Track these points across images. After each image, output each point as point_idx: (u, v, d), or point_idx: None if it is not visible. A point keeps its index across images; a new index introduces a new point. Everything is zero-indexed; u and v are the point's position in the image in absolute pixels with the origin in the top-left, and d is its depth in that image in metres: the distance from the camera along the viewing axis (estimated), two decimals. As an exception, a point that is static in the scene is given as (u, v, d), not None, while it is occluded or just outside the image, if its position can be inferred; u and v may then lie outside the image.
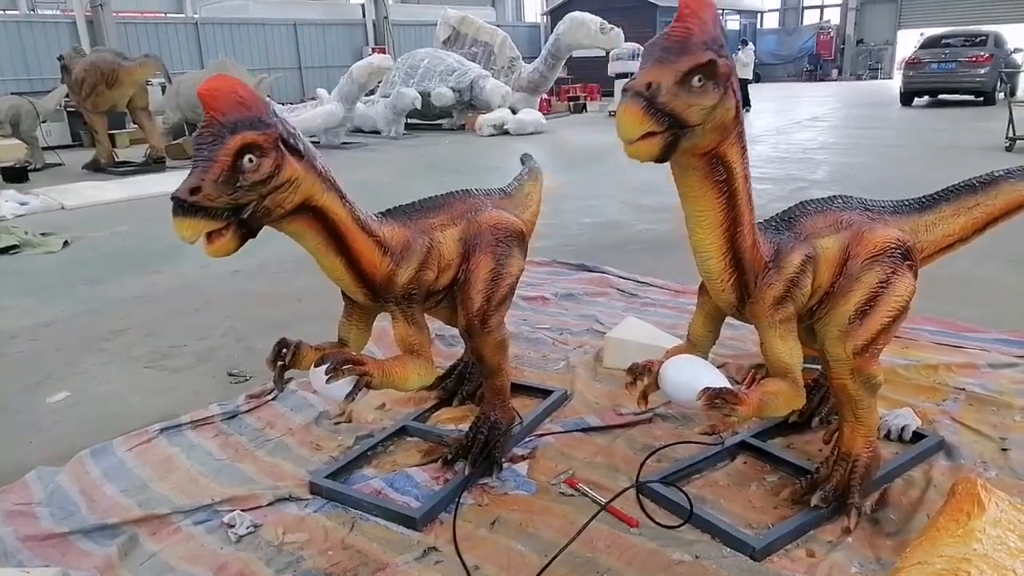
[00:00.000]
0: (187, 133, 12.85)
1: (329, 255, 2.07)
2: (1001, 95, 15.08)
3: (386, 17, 23.08)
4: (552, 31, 16.65)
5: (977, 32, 17.27)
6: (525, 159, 3.07)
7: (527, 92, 16.27)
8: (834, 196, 2.26)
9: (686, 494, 2.30)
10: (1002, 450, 2.58)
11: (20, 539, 2.29)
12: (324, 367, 2.03)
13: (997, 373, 3.16)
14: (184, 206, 1.69)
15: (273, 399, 3.17)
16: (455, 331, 2.59)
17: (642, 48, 1.75)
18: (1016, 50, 17.47)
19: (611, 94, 18.51)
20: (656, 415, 2.92)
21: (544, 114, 15.84)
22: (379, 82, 15.00)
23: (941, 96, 16.97)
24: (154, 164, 10.68)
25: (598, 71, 20.32)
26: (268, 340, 2.30)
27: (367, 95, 14.59)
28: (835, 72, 30.10)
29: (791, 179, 8.27)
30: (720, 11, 2.05)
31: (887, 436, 2.67)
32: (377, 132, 14.48)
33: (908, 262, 2.17)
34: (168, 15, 24.04)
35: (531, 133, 14.03)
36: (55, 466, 2.71)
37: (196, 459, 2.76)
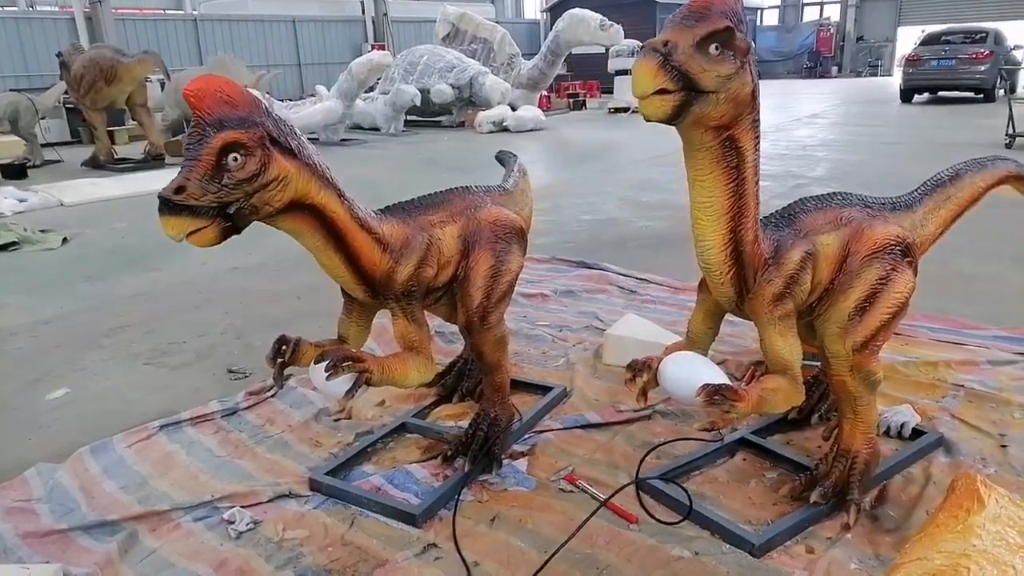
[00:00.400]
0: (186, 129, 12.84)
1: (328, 253, 2.07)
2: (1001, 92, 15.08)
3: (385, 14, 23.05)
4: (551, 28, 16.63)
5: (977, 29, 17.27)
6: (506, 156, 3.06)
7: (527, 89, 16.25)
8: (834, 193, 2.26)
9: (685, 490, 2.31)
10: (1001, 446, 2.59)
11: (20, 536, 2.29)
12: (324, 364, 2.03)
13: (996, 370, 3.16)
14: (170, 205, 1.70)
15: (273, 396, 3.17)
16: (455, 328, 2.59)
17: (641, 45, 1.76)
18: (1016, 47, 17.45)
19: (611, 91, 18.49)
20: (655, 412, 2.92)
21: (544, 111, 15.81)
22: (378, 79, 14.96)
23: (941, 93, 16.96)
24: (153, 161, 10.67)
25: (598, 68, 20.30)
26: (268, 337, 2.30)
27: (366, 92, 14.57)
28: (835, 69, 30.08)
29: (791, 176, 8.27)
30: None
31: (886, 433, 2.67)
32: (376, 129, 14.47)
33: (908, 259, 2.18)
34: (167, 11, 23.99)
35: (531, 130, 14.01)
36: (55, 463, 2.71)
37: (196, 456, 2.76)
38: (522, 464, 2.61)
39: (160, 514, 2.37)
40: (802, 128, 13.15)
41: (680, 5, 1.75)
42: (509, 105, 14.78)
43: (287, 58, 21.12)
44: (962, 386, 3.02)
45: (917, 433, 2.65)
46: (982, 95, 16.19)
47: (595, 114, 17.72)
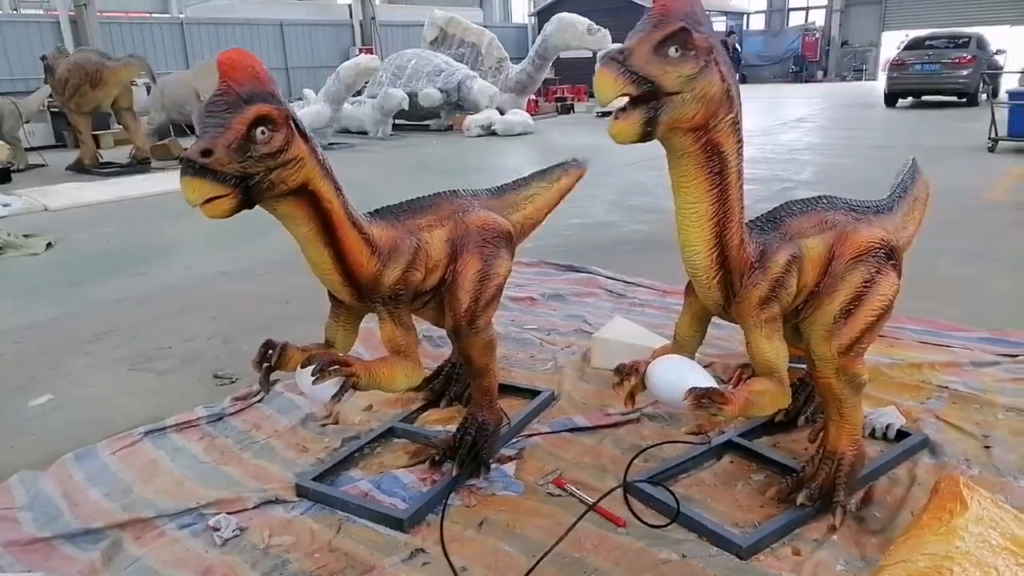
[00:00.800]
0: (172, 134, 12.76)
1: (317, 245, 2.06)
2: (984, 96, 15.24)
3: (373, 18, 23.03)
4: (539, 32, 16.64)
5: (960, 34, 17.44)
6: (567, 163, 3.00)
7: (515, 93, 16.26)
8: (819, 196, 2.28)
9: (673, 493, 2.31)
10: (985, 447, 2.61)
11: (2, 544, 2.26)
12: (310, 368, 2.02)
13: (980, 371, 3.19)
14: (194, 167, 1.70)
15: (259, 401, 3.16)
16: (443, 332, 2.59)
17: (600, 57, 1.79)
18: (998, 52, 17.67)
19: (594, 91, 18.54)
20: (643, 415, 2.92)
21: (531, 115, 15.84)
22: (366, 83, 14.95)
23: (925, 97, 17.12)
24: (139, 165, 10.59)
25: (585, 72, 20.33)
26: (254, 342, 2.29)
27: (354, 96, 14.53)
28: (820, 73, 30.31)
29: (777, 179, 8.32)
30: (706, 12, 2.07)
31: (872, 434, 2.69)
32: (364, 133, 14.44)
33: (892, 261, 2.20)
34: (153, 15, 23.88)
35: (519, 134, 14.03)
36: (38, 470, 2.68)
37: (181, 462, 2.74)
38: (510, 468, 2.61)
39: (144, 521, 2.35)
40: (788, 132, 13.24)
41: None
42: (497, 109, 14.79)
43: (274, 62, 21.03)
44: (946, 388, 3.05)
45: (902, 435, 2.67)
46: (965, 99, 16.34)
47: (583, 118, 17.77)
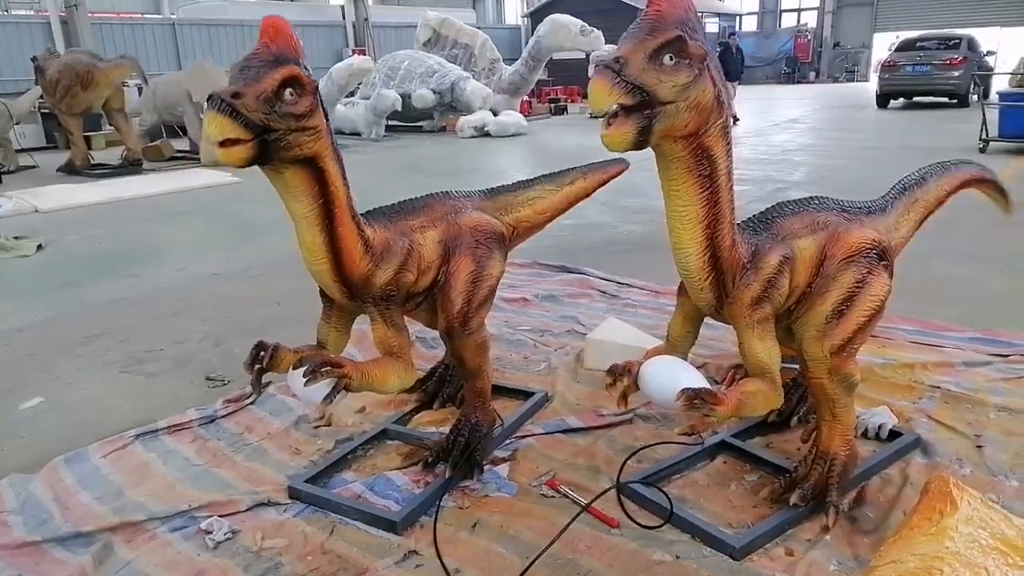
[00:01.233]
0: (164, 135, 12.72)
1: (315, 229, 2.06)
2: (975, 97, 15.32)
3: (366, 19, 23.00)
4: (533, 33, 16.66)
5: (951, 35, 17.54)
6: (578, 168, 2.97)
7: (508, 94, 16.27)
8: (811, 197, 2.28)
9: (667, 494, 2.31)
10: (977, 447, 2.62)
11: (-8, 548, 2.25)
12: (302, 370, 2.01)
13: (972, 371, 3.20)
14: (221, 104, 1.76)
15: (251, 403, 3.14)
16: (436, 333, 2.58)
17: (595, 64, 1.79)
18: (989, 53, 17.77)
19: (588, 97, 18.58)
20: (636, 416, 2.92)
21: (525, 116, 15.85)
22: (359, 84, 14.92)
23: (916, 98, 17.20)
24: (130, 166, 10.55)
25: (578, 73, 20.40)
26: (246, 344, 2.27)
27: (347, 97, 14.52)
28: (812, 75, 30.45)
29: (770, 180, 8.35)
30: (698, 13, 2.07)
31: (864, 434, 2.70)
32: (357, 134, 14.42)
33: (883, 262, 2.20)
34: (144, 15, 23.79)
35: (512, 135, 14.04)
36: (28, 473, 2.67)
37: (173, 465, 2.72)
38: (503, 469, 2.60)
39: (136, 524, 2.34)
40: (781, 133, 13.29)
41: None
42: (490, 110, 14.79)
43: (267, 63, 20.92)
44: (938, 387, 3.06)
45: (894, 434, 2.68)
46: (956, 100, 16.44)
47: (576, 119, 17.78)
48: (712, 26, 28.48)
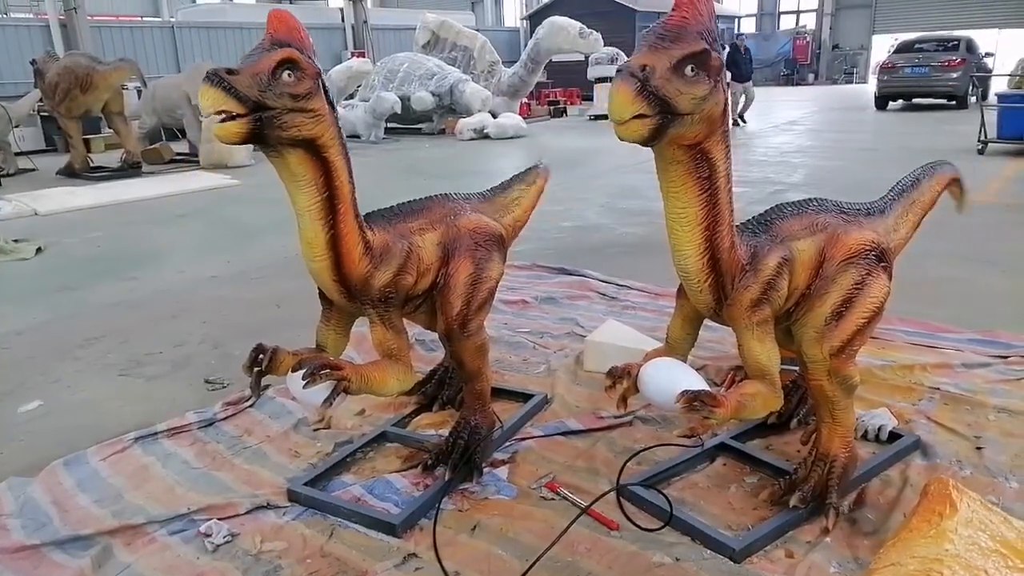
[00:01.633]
0: (163, 138, 12.72)
1: (317, 223, 2.06)
2: (973, 99, 15.33)
3: (365, 21, 23.00)
4: (531, 36, 16.68)
5: (949, 37, 17.56)
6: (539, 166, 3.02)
7: (507, 96, 16.28)
8: (809, 199, 2.29)
9: (666, 496, 2.31)
10: (976, 448, 2.62)
11: (-10, 552, 2.24)
12: (301, 372, 2.01)
13: (971, 373, 3.20)
14: (216, 80, 1.81)
15: (251, 406, 3.14)
16: (435, 336, 2.58)
17: (620, 53, 1.78)
18: (987, 55, 17.79)
19: (590, 98, 18.57)
20: (636, 418, 2.92)
21: (524, 118, 15.85)
22: (358, 86, 14.93)
23: (915, 100, 17.22)
24: (130, 169, 10.54)
25: (577, 76, 20.39)
26: (246, 346, 2.27)
27: (346, 99, 14.52)
28: (811, 76, 30.47)
29: (769, 182, 8.35)
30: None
31: (864, 436, 2.70)
32: (357, 136, 14.41)
33: (882, 264, 2.20)
34: (144, 18, 23.80)
35: (511, 137, 14.04)
36: (27, 477, 2.66)
37: (172, 468, 2.72)
38: (503, 472, 2.60)
39: (135, 528, 2.33)
40: (779, 135, 13.30)
41: (657, 13, 1.75)
42: (490, 112, 14.80)
43: (266, 66, 20.92)
44: (938, 389, 3.06)
45: (894, 436, 2.68)
46: (955, 102, 16.46)
47: (575, 121, 17.79)
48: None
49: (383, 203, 2.42)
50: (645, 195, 7.70)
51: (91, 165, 10.67)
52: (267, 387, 3.20)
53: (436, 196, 2.52)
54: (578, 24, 15.53)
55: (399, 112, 13.98)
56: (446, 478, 2.48)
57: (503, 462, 2.67)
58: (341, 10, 23.54)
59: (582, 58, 17.75)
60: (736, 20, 32.11)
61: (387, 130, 14.83)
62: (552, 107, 19.35)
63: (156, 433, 2.95)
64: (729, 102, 1.84)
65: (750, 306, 2.05)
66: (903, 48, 17.35)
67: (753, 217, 2.23)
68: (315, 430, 2.95)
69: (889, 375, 3.19)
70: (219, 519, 2.35)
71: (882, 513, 2.29)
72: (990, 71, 16.82)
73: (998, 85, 15.32)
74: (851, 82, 29.16)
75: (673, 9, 1.73)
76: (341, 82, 12.70)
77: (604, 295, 4.53)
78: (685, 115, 1.70)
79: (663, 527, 2.23)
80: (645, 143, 1.73)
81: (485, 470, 2.58)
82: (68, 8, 15.98)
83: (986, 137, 9.67)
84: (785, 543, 2.17)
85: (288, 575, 2.12)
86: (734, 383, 3.01)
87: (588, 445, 2.77)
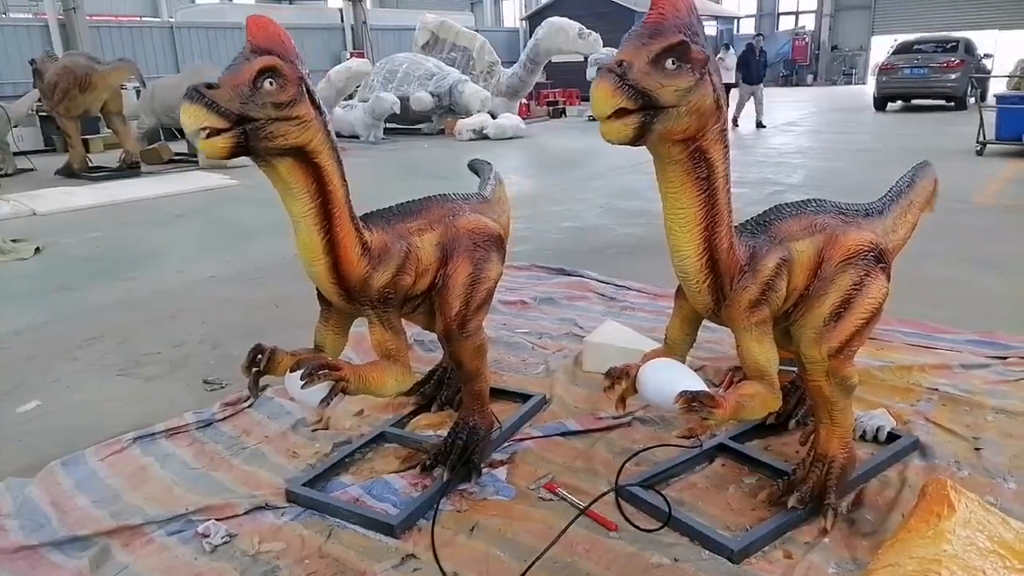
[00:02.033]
0: (162, 138, 12.71)
1: (312, 229, 2.05)
2: (972, 100, 15.35)
3: (364, 22, 23.00)
4: (531, 36, 16.68)
5: (948, 38, 17.59)
6: (480, 165, 3.06)
7: (506, 97, 16.29)
8: (808, 200, 2.29)
9: (665, 497, 2.31)
10: (975, 449, 2.62)
11: (-12, 552, 2.24)
12: (300, 372, 2.01)
13: (969, 373, 3.20)
14: (196, 96, 1.77)
15: (249, 406, 3.14)
16: (434, 336, 2.58)
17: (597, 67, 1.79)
18: (986, 56, 17.82)
19: (589, 99, 18.61)
20: (634, 419, 2.92)
21: (523, 118, 15.86)
22: (358, 87, 14.92)
23: (914, 101, 17.24)
24: (129, 169, 10.53)
25: (576, 76, 20.40)
26: (244, 347, 2.27)
27: (345, 100, 14.52)
28: (810, 77, 30.49)
29: (768, 183, 8.36)
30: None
31: (862, 437, 2.70)
32: (356, 137, 14.42)
33: (881, 265, 2.20)
34: (143, 19, 23.79)
35: (510, 138, 14.04)
36: (25, 477, 2.66)
37: (170, 468, 2.72)
38: (501, 473, 2.60)
39: (133, 528, 2.33)
40: (779, 135, 13.30)
41: (656, 14, 1.75)
42: (489, 113, 14.80)
43: (265, 66, 20.92)
44: (936, 390, 3.06)
45: (892, 437, 2.68)
46: (953, 103, 16.48)
47: (574, 122, 17.79)
48: (710, 29, 28.52)
49: (382, 203, 2.42)
50: (644, 196, 7.70)
51: (90, 165, 10.67)
52: (265, 387, 3.20)
53: (434, 196, 2.52)
54: (577, 25, 15.53)
55: (398, 112, 13.98)
56: (444, 479, 2.48)
57: (502, 463, 2.67)
58: (340, 10, 23.54)
59: (581, 59, 17.76)
60: (735, 21, 32.15)
61: (386, 130, 14.83)
62: (551, 108, 19.36)
63: (154, 433, 2.95)
64: (723, 96, 1.83)
65: (749, 307, 2.05)
66: (902, 49, 17.38)
67: (752, 218, 2.23)
68: (313, 430, 2.95)
69: (888, 376, 3.19)
70: (217, 520, 2.35)
71: (880, 514, 2.29)
72: (989, 72, 16.84)
73: (997, 86, 15.33)
74: (850, 83, 29.19)
75: (651, 8, 1.74)
76: (340, 83, 12.68)
77: (603, 296, 4.53)
78: (671, 108, 1.70)
79: (662, 528, 2.23)
80: (632, 142, 1.73)
81: (484, 471, 2.58)
82: (67, 8, 15.98)
83: (985, 138, 9.68)
84: (783, 544, 2.17)
85: (286, 576, 2.12)
86: (733, 384, 3.02)
87: (587, 446, 2.77)
